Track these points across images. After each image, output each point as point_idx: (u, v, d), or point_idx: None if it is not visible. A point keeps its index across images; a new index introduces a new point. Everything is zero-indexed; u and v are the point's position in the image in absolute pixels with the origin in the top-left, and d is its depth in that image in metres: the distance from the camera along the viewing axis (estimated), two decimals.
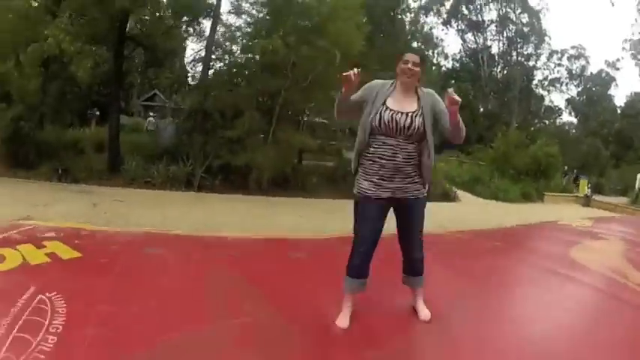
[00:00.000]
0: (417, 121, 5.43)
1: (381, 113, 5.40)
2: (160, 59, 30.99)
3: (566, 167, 60.33)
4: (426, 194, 5.80)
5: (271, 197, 21.28)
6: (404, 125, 5.38)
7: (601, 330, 7.25)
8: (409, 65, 5.50)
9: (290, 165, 23.89)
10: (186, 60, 34.30)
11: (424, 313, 6.14)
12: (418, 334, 6.06)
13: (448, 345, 5.78)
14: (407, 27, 38.80)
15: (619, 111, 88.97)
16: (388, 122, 5.36)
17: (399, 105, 5.48)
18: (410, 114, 5.44)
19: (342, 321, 5.76)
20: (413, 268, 6.07)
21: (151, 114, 36.85)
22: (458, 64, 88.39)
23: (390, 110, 5.41)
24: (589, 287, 9.90)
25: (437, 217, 18.55)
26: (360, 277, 5.80)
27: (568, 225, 22.08)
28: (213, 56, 27.12)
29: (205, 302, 6.11)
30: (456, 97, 5.18)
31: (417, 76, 5.60)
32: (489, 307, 7.48)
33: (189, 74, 32.51)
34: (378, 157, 5.45)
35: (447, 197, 31.59)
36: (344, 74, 5.22)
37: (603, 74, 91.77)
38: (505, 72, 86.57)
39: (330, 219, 16.24)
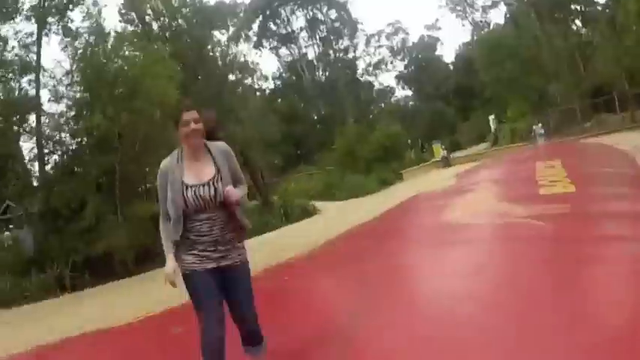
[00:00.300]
0: (220, 186, 5.09)
1: (183, 194, 5.01)
2: (1, 167, 30.18)
3: (409, 141, 61.49)
4: (247, 256, 5.51)
5: (137, 276, 20.98)
6: (210, 197, 5.05)
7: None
8: (191, 126, 5.07)
9: (150, 237, 23.39)
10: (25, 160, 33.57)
11: None
12: None
13: None
14: (219, 62, 38.55)
15: (451, 67, 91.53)
16: (194, 201, 5.01)
17: (196, 175, 5.12)
18: (210, 182, 5.10)
19: None
20: (251, 339, 5.61)
21: (10, 226, 35.74)
22: (280, 82, 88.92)
23: (191, 187, 5.03)
24: (474, 244, 10.17)
25: (302, 236, 18.76)
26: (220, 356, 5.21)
27: (430, 193, 22.45)
28: (45, 150, 26.69)
29: None
30: (232, 198, 5.07)
31: (201, 133, 5.21)
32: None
33: (33, 175, 31.77)
34: (196, 235, 5.11)
35: (307, 213, 31.74)
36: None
37: (426, 39, 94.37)
38: (327, 73, 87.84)
39: None
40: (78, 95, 25.49)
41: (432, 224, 14.47)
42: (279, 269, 12.94)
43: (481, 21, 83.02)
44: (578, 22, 59.41)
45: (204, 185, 5.04)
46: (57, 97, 26.27)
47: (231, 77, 39.39)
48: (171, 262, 5.01)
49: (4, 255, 25.91)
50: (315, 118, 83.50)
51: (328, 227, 20.78)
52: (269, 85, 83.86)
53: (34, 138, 27.16)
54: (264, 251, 16.91)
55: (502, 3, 74.50)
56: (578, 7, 57.86)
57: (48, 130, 26.64)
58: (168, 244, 5.11)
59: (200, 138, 5.18)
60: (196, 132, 5.10)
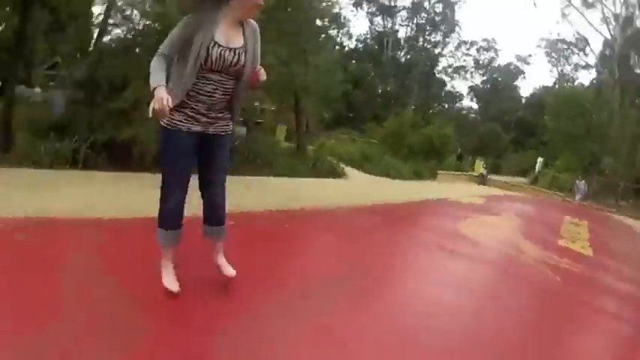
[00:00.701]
0: (242, 57, 5.14)
1: (209, 50, 4.96)
2: (64, 22, 29.94)
3: (459, 149, 61.50)
4: (232, 131, 5.55)
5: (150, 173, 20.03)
6: (230, 62, 5.07)
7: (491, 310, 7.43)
8: (261, 1, 5.15)
9: None
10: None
11: (229, 270, 5.58)
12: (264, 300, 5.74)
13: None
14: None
15: (523, 101, 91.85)
16: (216, 60, 5.00)
17: (227, 39, 5.09)
18: (237, 50, 5.12)
19: (172, 283, 5.30)
20: (215, 214, 5.55)
21: (38, 87, 34.99)
22: (361, 45, 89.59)
23: (219, 47, 5.01)
24: (478, 262, 10.27)
25: (320, 193, 18.79)
26: (177, 227, 5.40)
27: (457, 202, 22.30)
28: (110, 21, 26.15)
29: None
30: (261, 77, 5.23)
31: None
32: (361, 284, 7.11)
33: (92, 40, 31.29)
34: (196, 92, 5.07)
35: (334, 173, 31.37)
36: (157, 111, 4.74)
37: (512, 67, 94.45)
38: (409, 56, 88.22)
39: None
40: None
41: (444, 227, 14.35)
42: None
43: (568, 74, 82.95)
44: None
45: (230, 50, 5.08)
46: None
47: (319, 22, 38.90)
48: (163, 91, 4.77)
49: (31, 111, 25.40)
50: (380, 91, 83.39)
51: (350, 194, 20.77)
52: (350, 44, 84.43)
53: (105, 5, 26.45)
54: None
55: (594, 69, 74.22)
56: None
57: (120, 2, 26.36)
58: (160, 75, 4.91)
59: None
60: (261, 8, 5.25)
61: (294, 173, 25.94)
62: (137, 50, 23.24)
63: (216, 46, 4.98)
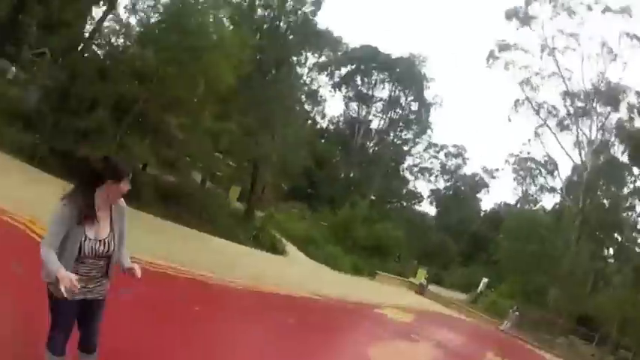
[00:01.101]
0: (111, 245, 5.61)
1: (81, 244, 5.41)
2: (55, 23, 30.35)
3: (399, 253, 61.10)
4: (107, 291, 5.94)
5: None
6: (101, 252, 5.52)
7: None
8: (127, 188, 5.56)
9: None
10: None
11: None
12: None
13: None
14: (293, 76, 38.46)
15: (482, 214, 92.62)
16: (88, 253, 5.44)
17: (96, 231, 5.52)
18: (105, 240, 5.57)
19: None
20: (87, 350, 6.02)
21: (13, 67, 35.56)
22: (333, 127, 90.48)
23: (89, 240, 5.45)
24: None
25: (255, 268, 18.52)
26: (63, 354, 5.75)
27: (384, 316, 21.89)
28: (95, 42, 27.52)
29: None
30: (136, 276, 5.68)
31: None
32: None
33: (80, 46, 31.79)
34: (74, 272, 5.27)
35: (274, 249, 31.65)
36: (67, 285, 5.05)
37: (477, 178, 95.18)
38: (377, 148, 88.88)
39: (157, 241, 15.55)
40: (152, 20, 26.03)
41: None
42: None
43: (532, 195, 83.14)
44: (611, 250, 59.80)
45: (100, 241, 5.53)
46: (132, 9, 26.80)
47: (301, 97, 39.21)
48: (65, 271, 5.08)
49: (9, 92, 26.17)
50: (342, 175, 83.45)
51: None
52: (323, 123, 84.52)
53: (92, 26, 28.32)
54: None
55: (559, 194, 74.47)
56: (619, 238, 58.12)
57: (106, 31, 27.54)
58: (55, 261, 5.19)
59: None
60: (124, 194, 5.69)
61: (235, 238, 25.79)
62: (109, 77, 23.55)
63: (87, 239, 5.42)
